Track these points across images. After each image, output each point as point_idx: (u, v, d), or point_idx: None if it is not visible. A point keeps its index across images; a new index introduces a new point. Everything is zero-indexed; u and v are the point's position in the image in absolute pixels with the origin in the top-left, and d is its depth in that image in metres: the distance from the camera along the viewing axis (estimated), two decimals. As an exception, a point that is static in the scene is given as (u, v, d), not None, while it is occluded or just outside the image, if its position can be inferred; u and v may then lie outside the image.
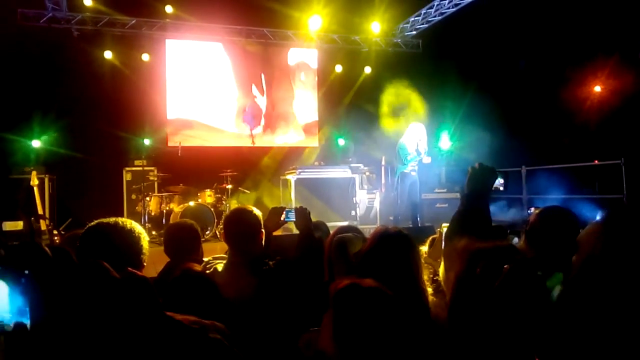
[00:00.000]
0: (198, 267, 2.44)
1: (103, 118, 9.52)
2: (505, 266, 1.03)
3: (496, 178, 1.90)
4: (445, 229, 2.36)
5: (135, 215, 8.69)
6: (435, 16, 11.34)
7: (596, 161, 9.29)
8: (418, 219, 7.73)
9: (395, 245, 1.95)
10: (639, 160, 8.55)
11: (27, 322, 0.57)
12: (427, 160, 7.98)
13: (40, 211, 7.61)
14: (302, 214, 2.81)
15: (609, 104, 9.86)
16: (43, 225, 7.47)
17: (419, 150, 7.48)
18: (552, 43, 9.72)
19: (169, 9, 10.30)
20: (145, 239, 1.79)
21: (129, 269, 0.91)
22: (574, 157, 9.52)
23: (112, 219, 1.77)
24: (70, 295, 0.63)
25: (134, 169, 9.77)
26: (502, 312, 0.96)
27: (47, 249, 0.57)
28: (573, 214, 2.02)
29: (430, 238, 2.95)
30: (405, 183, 7.55)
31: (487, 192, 1.85)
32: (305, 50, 11.93)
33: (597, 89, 10.71)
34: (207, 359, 0.77)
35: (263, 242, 2.55)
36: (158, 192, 9.25)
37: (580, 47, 9.37)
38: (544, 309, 0.62)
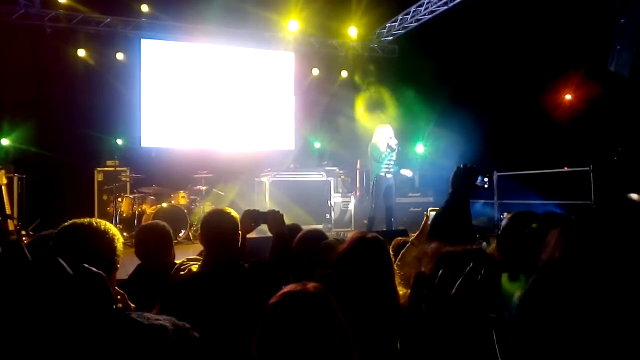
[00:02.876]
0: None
1: (75, 117, 9.36)
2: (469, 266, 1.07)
3: (477, 177, 1.99)
4: (432, 213, 2.42)
5: (106, 217, 8.56)
6: (411, 23, 11.48)
7: (566, 168, 9.50)
8: (393, 222, 7.80)
9: (370, 250, 1.97)
10: (607, 168, 8.78)
11: None
12: (407, 173, 8.12)
13: (8, 211, 7.42)
14: (276, 217, 2.81)
15: (579, 113, 10.11)
16: (11, 225, 7.29)
17: (390, 147, 7.56)
18: (524, 52, 9.92)
19: (144, 8, 10.20)
20: (119, 241, 1.77)
21: (85, 265, 0.90)
22: (545, 163, 9.73)
23: (86, 220, 1.75)
24: (19, 292, 0.62)
25: (106, 169, 9.61)
26: (459, 312, 0.98)
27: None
28: (542, 220, 2.08)
29: (394, 244, 3.00)
30: (381, 187, 7.62)
31: (469, 191, 1.94)
32: (282, 53, 11.92)
33: (568, 97, 10.97)
34: (165, 357, 0.76)
35: (239, 244, 2.55)
36: (130, 194, 9.13)
37: (552, 57, 9.59)
38: (500, 310, 0.64)
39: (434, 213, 2.44)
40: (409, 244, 2.52)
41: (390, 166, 7.71)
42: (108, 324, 0.84)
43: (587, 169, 8.59)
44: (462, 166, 1.98)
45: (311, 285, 1.47)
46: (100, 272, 0.85)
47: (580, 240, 0.44)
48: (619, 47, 7.16)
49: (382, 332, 1.85)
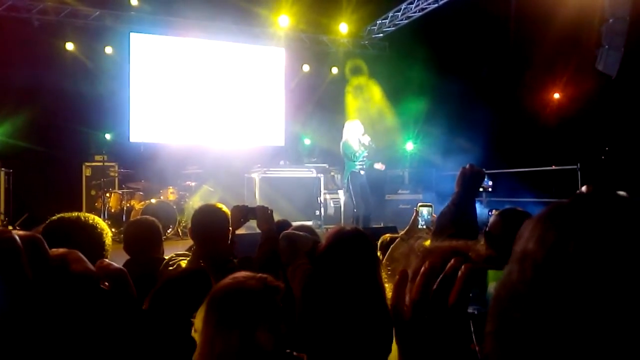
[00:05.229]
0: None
1: (63, 111, 9.28)
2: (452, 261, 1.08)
3: (483, 179, 2.01)
4: (422, 209, 2.43)
5: (94, 212, 8.50)
6: (402, 20, 11.51)
7: (554, 166, 9.59)
8: (370, 218, 7.79)
9: (352, 244, 1.98)
10: (594, 166, 8.87)
11: None
12: (379, 166, 8.09)
13: (-6, 206, 7.36)
14: (265, 213, 2.80)
15: (567, 112, 10.20)
16: (-3, 220, 7.23)
17: (364, 144, 7.51)
18: (513, 50, 9.98)
19: (134, 1, 10.11)
20: (108, 235, 1.76)
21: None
22: (533, 161, 9.81)
23: (74, 214, 1.74)
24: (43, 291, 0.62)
25: (94, 164, 9.53)
26: (439, 307, 0.99)
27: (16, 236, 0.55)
28: (531, 216, 2.11)
29: (381, 240, 3.01)
30: (356, 183, 7.58)
31: (476, 192, 1.96)
32: (273, 48, 11.89)
33: (556, 96, 11.06)
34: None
35: (229, 240, 2.55)
36: (119, 189, 9.08)
37: (541, 56, 9.65)
38: (480, 303, 0.64)
39: (423, 209, 2.46)
40: (398, 239, 2.53)
41: (364, 163, 7.66)
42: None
43: (575, 167, 8.67)
44: (468, 166, 1.97)
45: (263, 276, 1.53)
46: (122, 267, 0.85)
47: (555, 231, 0.44)
48: (606, 47, 7.23)
49: (368, 328, 1.86)
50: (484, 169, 2.02)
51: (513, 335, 0.43)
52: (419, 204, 2.52)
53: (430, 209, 2.47)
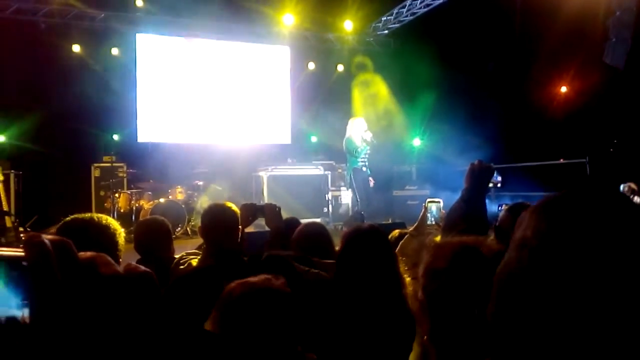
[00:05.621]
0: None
1: (71, 113, 9.33)
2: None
3: (492, 175, 2.01)
4: (430, 204, 2.44)
5: (104, 212, 8.48)
6: (407, 16, 11.48)
7: (562, 160, 9.54)
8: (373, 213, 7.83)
9: (369, 241, 1.99)
10: (603, 159, 8.82)
11: (20, 315, 0.58)
12: (367, 135, 8.12)
13: (5, 207, 7.42)
14: (273, 211, 2.81)
15: (575, 105, 10.14)
16: (8, 222, 7.29)
17: (366, 140, 7.60)
18: (519, 44, 9.93)
19: (139, 2, 10.14)
20: (121, 235, 1.78)
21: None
22: (542, 155, 9.77)
23: (87, 215, 1.76)
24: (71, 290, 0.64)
25: (102, 165, 9.59)
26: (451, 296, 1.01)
27: (46, 240, 0.57)
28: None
29: (391, 236, 3.02)
30: (358, 179, 7.66)
31: (485, 187, 1.97)
32: (278, 47, 11.90)
33: (563, 89, 11.00)
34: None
35: (239, 238, 2.56)
36: (127, 189, 9.12)
37: (547, 49, 9.60)
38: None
39: (432, 205, 2.46)
40: (407, 235, 2.53)
41: (366, 159, 7.73)
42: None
43: (584, 160, 8.63)
44: (477, 162, 1.98)
45: (279, 282, 1.50)
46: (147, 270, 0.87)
47: (547, 221, 0.47)
48: (613, 40, 7.19)
49: (390, 325, 1.87)
50: (492, 164, 2.02)
51: (512, 314, 0.47)
52: (428, 200, 2.53)
53: (439, 204, 2.47)
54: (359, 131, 7.66)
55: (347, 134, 7.74)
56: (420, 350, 1.92)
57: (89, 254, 0.72)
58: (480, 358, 0.73)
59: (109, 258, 0.72)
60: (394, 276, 1.95)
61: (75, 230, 1.69)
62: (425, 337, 1.15)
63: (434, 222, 2.40)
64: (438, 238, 1.96)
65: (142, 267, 0.78)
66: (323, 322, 1.86)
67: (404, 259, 2.28)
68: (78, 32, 10.03)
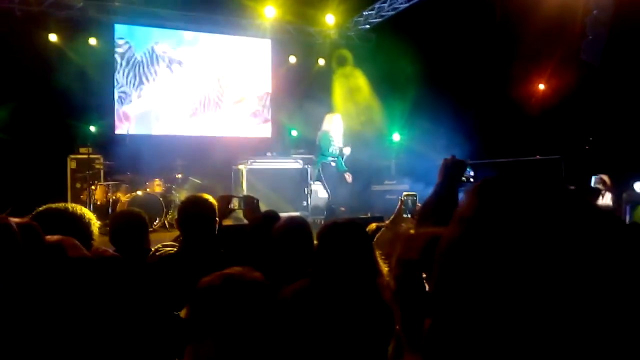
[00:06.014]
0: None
1: (47, 103, 9.16)
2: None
3: (465, 170, 2.06)
4: (406, 197, 2.47)
5: (80, 204, 8.42)
6: (388, 11, 11.50)
7: (538, 156, 9.68)
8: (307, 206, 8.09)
9: (346, 235, 1.99)
10: (577, 156, 8.98)
11: None
12: (347, 151, 8.23)
13: (-22, 199, 7.27)
14: (251, 203, 2.81)
15: (552, 102, 10.28)
16: (-19, 213, 7.16)
17: (339, 147, 7.72)
18: (500, 41, 10.03)
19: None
20: (95, 225, 1.77)
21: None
22: (518, 151, 9.89)
23: (61, 204, 1.74)
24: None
25: (79, 156, 9.44)
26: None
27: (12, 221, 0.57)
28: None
29: (368, 229, 3.04)
30: (327, 174, 7.72)
31: (457, 182, 2.01)
32: (259, 40, 11.84)
33: (541, 87, 11.14)
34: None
35: (216, 230, 2.55)
36: (104, 181, 9.01)
37: (526, 46, 9.71)
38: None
39: (408, 198, 2.49)
40: (383, 227, 2.56)
41: (336, 155, 7.88)
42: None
43: (559, 157, 8.77)
44: (450, 157, 2.04)
45: (256, 274, 1.48)
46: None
47: (479, 199, 0.53)
48: (590, 37, 7.31)
49: (370, 318, 1.88)
50: (467, 160, 2.06)
51: (451, 278, 0.53)
52: (404, 193, 2.56)
53: (415, 198, 2.50)
54: (338, 130, 7.68)
55: (324, 128, 7.73)
56: (394, 340, 1.95)
57: (56, 237, 0.71)
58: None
59: (77, 242, 0.72)
60: (372, 268, 1.96)
61: (49, 220, 1.66)
62: (398, 326, 1.16)
63: (409, 215, 2.43)
64: (412, 231, 1.98)
65: (111, 251, 0.78)
66: (303, 318, 1.86)
67: (379, 251, 2.31)
68: (55, 21, 9.83)
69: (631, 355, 0.47)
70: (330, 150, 7.57)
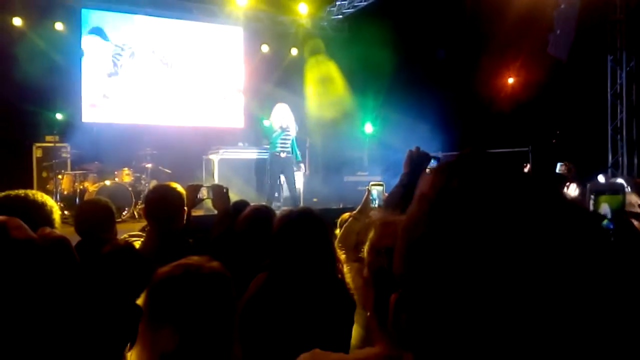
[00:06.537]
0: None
1: (11, 90, 8.86)
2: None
3: (429, 161, 2.11)
4: (373, 187, 2.48)
5: (46, 194, 8.23)
6: (361, 1, 11.49)
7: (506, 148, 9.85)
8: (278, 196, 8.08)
9: (301, 225, 1.97)
10: (545, 148, 9.17)
11: None
12: (301, 169, 8.50)
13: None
14: (220, 193, 2.77)
15: (521, 95, 10.46)
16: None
17: (284, 127, 7.64)
18: (469, 34, 10.13)
19: (85, -24, 9.73)
20: (57, 213, 1.72)
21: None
22: (488, 143, 10.04)
23: (21, 191, 1.68)
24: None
25: (45, 144, 9.22)
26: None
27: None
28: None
29: (340, 219, 3.05)
30: (274, 165, 7.76)
31: (422, 173, 2.05)
32: (231, 27, 11.70)
33: (510, 80, 11.32)
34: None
35: (185, 220, 2.52)
36: (71, 170, 8.82)
37: (495, 40, 9.84)
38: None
39: (375, 188, 2.50)
40: (350, 218, 2.57)
41: (286, 146, 7.77)
42: None
43: (527, 149, 8.94)
44: (415, 149, 2.10)
45: (214, 264, 1.46)
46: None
47: (442, 177, 0.55)
48: (558, 32, 7.43)
49: (328, 309, 1.88)
50: (440, 154, 2.13)
51: (414, 256, 0.55)
52: (371, 183, 2.57)
53: (382, 188, 2.51)
54: (279, 117, 7.69)
55: (271, 118, 7.81)
56: (364, 329, 1.95)
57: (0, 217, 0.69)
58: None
59: (22, 222, 0.70)
60: (329, 257, 1.96)
61: (8, 207, 1.61)
62: (369, 313, 1.17)
63: (376, 205, 2.44)
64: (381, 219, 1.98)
65: (57, 233, 0.76)
66: (261, 309, 1.85)
67: (342, 240, 2.31)
68: (19, 4, 9.51)
69: (591, 346, 0.48)
70: (272, 137, 7.61)
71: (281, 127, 7.60)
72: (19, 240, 0.67)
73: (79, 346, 0.85)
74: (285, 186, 9.29)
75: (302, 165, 8.38)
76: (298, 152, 8.27)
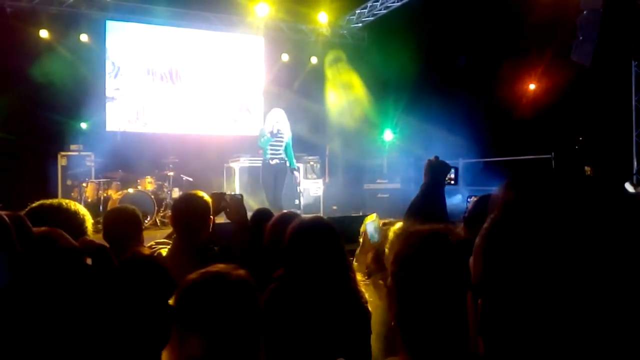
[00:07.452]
0: (147, 251, 2.40)
1: (38, 100, 9.07)
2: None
3: (449, 170, 2.09)
4: (367, 225, 2.43)
5: (71, 202, 8.36)
6: (381, 9, 11.52)
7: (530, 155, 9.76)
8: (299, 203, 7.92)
9: (312, 234, 1.97)
10: (568, 155, 9.05)
11: None
12: (296, 173, 8.10)
13: (-33, 196, 7.20)
14: (238, 205, 2.72)
15: (543, 102, 10.35)
16: (-29, 210, 7.08)
17: (274, 133, 7.29)
18: (491, 41, 10.07)
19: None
20: (89, 221, 1.76)
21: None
22: (510, 150, 9.96)
23: (55, 200, 1.73)
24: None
25: (69, 153, 9.36)
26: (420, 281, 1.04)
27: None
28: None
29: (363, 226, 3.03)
30: (264, 173, 7.39)
31: (442, 182, 2.05)
32: (252, 37, 11.81)
33: (532, 87, 11.22)
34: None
35: (210, 228, 2.53)
36: (95, 178, 8.95)
37: (517, 46, 9.77)
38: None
39: (369, 224, 2.44)
40: (353, 259, 2.48)
41: (278, 152, 7.43)
42: None
43: (549, 156, 8.83)
44: (434, 158, 2.09)
45: (239, 271, 1.46)
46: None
47: (511, 193, 0.56)
48: (581, 38, 7.35)
49: (345, 316, 1.87)
50: (446, 162, 2.13)
51: (492, 262, 0.57)
52: (365, 219, 2.50)
53: (376, 222, 2.45)
54: (271, 122, 7.42)
55: (263, 126, 7.59)
56: (387, 337, 1.95)
57: (43, 228, 0.72)
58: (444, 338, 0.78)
59: (63, 232, 0.73)
60: (343, 266, 1.95)
61: (43, 216, 1.65)
62: (393, 322, 1.17)
63: (377, 240, 2.39)
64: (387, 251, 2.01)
65: (98, 241, 0.79)
66: (276, 321, 1.83)
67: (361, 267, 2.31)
68: (46, 17, 9.75)
69: None
70: (262, 141, 7.31)
71: (271, 133, 7.25)
72: (66, 249, 0.70)
73: (116, 345, 0.87)
74: (304, 193, 9.33)
75: (296, 172, 8.07)
76: (293, 159, 7.79)
